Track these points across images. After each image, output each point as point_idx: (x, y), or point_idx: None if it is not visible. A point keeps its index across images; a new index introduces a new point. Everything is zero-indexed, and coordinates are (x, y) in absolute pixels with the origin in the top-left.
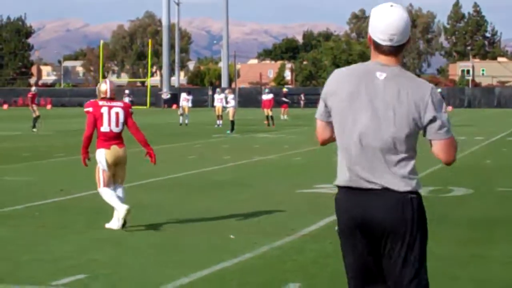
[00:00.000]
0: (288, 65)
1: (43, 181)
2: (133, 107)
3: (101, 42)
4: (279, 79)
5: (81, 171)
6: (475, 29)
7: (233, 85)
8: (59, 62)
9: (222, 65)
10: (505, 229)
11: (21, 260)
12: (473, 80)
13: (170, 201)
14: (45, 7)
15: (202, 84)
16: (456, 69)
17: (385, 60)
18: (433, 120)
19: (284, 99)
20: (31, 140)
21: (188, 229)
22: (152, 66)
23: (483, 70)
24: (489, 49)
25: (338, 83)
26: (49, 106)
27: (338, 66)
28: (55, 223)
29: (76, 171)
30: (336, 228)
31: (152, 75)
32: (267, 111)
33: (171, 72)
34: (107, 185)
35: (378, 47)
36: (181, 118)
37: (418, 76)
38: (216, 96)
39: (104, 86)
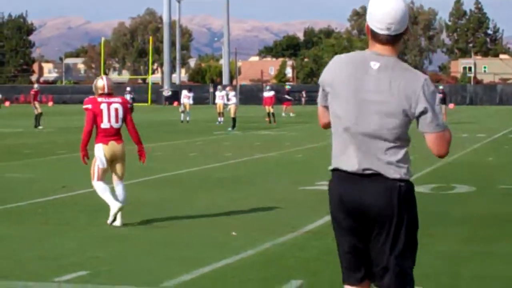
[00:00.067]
0: (289, 62)
1: (45, 178)
2: (134, 104)
3: (102, 39)
4: (280, 76)
5: (83, 168)
6: (477, 26)
7: (234, 82)
8: (61, 59)
9: (223, 62)
10: (508, 226)
11: (24, 257)
12: (475, 77)
13: (172, 198)
14: (46, 5)
15: (203, 81)
16: (458, 66)
17: (381, 49)
18: (424, 112)
19: (287, 96)
20: (33, 137)
21: (190, 226)
22: (153, 63)
23: (485, 67)
24: (491, 46)
25: (334, 70)
26: (50, 103)
27: None
28: (58, 220)
29: (78, 168)
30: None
31: (153, 72)
32: (269, 108)
33: (172, 69)
34: (101, 179)
35: (375, 36)
36: (182, 115)
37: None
38: (217, 93)
39: (101, 82)
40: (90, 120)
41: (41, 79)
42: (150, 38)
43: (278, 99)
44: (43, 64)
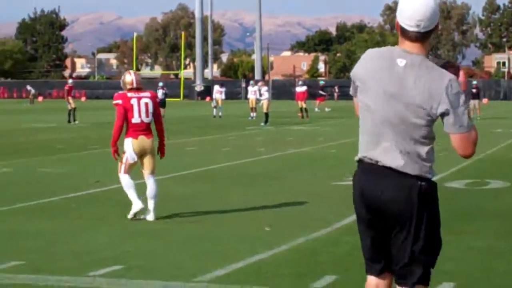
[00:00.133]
0: (322, 57)
1: (78, 173)
2: (166, 99)
3: (135, 34)
4: (313, 71)
5: (115, 163)
6: (511, 21)
7: (266, 77)
8: (93, 54)
9: (255, 57)
10: None
11: (58, 251)
12: (508, 72)
13: (204, 193)
14: (79, 0)
15: (236, 76)
16: (491, 61)
17: (410, 46)
18: (446, 113)
19: (321, 92)
20: (66, 132)
21: (223, 221)
22: (185, 59)
23: None
24: None
25: (365, 64)
26: (83, 99)
27: None
28: (91, 214)
29: (110, 163)
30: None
31: (185, 68)
32: (301, 103)
33: (204, 64)
34: (127, 172)
35: (405, 33)
36: (214, 110)
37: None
38: (250, 88)
39: (129, 77)
40: (121, 115)
41: (74, 74)
42: (182, 33)
43: (312, 94)
44: (76, 60)
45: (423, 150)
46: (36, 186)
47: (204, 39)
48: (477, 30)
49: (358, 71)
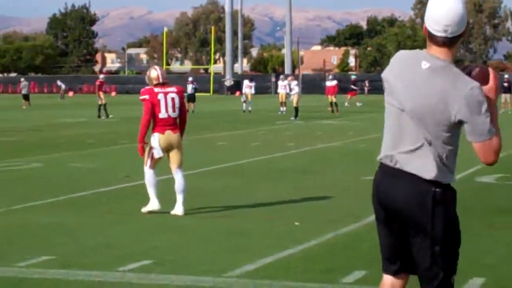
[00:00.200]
0: (352, 51)
1: (108, 168)
2: (196, 94)
3: (165, 29)
4: (343, 66)
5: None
6: None
7: (296, 72)
8: (123, 49)
9: (285, 51)
10: None
11: (88, 246)
12: None
13: (234, 188)
14: None
15: (265, 70)
16: None
17: (436, 51)
18: (464, 122)
19: (352, 86)
20: (96, 127)
21: (252, 216)
22: (215, 53)
23: None
24: None
25: (392, 66)
26: (113, 93)
27: None
28: (121, 209)
29: (139, 158)
30: None
31: (215, 62)
32: (331, 98)
33: (234, 59)
34: (153, 167)
35: (432, 38)
36: (244, 105)
37: (485, 62)
38: (280, 82)
39: (154, 72)
40: (149, 110)
41: (104, 69)
42: (212, 28)
43: (342, 89)
44: (106, 55)
45: (443, 154)
46: (66, 181)
47: (234, 33)
48: (509, 24)
49: (386, 73)
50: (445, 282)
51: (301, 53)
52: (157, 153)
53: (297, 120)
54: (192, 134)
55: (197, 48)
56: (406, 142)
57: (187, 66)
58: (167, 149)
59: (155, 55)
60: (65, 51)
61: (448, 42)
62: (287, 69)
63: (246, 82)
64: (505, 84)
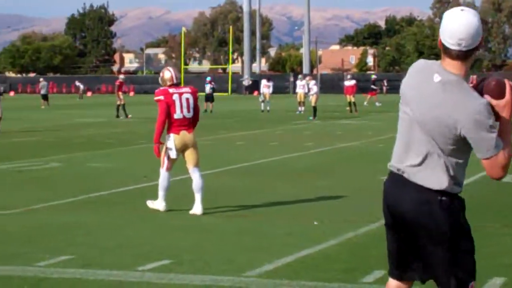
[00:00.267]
0: (371, 51)
1: (126, 167)
2: (214, 94)
3: (183, 29)
4: (361, 65)
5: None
6: None
7: (314, 71)
8: (141, 49)
9: (304, 51)
10: None
11: (107, 246)
12: None
13: (252, 188)
14: None
15: (284, 70)
16: None
17: (450, 64)
18: (470, 137)
19: (373, 86)
20: (114, 127)
21: (271, 216)
22: (233, 53)
23: None
24: None
25: (410, 75)
26: (132, 93)
27: (421, 52)
28: (139, 209)
29: (156, 158)
30: None
31: (233, 62)
32: (350, 98)
33: (252, 58)
34: (169, 168)
35: (446, 51)
36: (262, 104)
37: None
38: (298, 82)
39: (168, 73)
40: (164, 111)
41: (122, 69)
42: (230, 27)
43: (361, 88)
44: (124, 55)
45: (450, 166)
46: (85, 181)
47: (252, 33)
48: None
49: (404, 81)
50: None
51: (319, 52)
52: (173, 154)
53: (316, 119)
54: (210, 134)
55: (215, 48)
56: (413, 155)
57: (205, 66)
58: (182, 149)
59: (173, 55)
60: (84, 51)
61: (462, 56)
62: (305, 69)
63: (264, 82)
64: None
